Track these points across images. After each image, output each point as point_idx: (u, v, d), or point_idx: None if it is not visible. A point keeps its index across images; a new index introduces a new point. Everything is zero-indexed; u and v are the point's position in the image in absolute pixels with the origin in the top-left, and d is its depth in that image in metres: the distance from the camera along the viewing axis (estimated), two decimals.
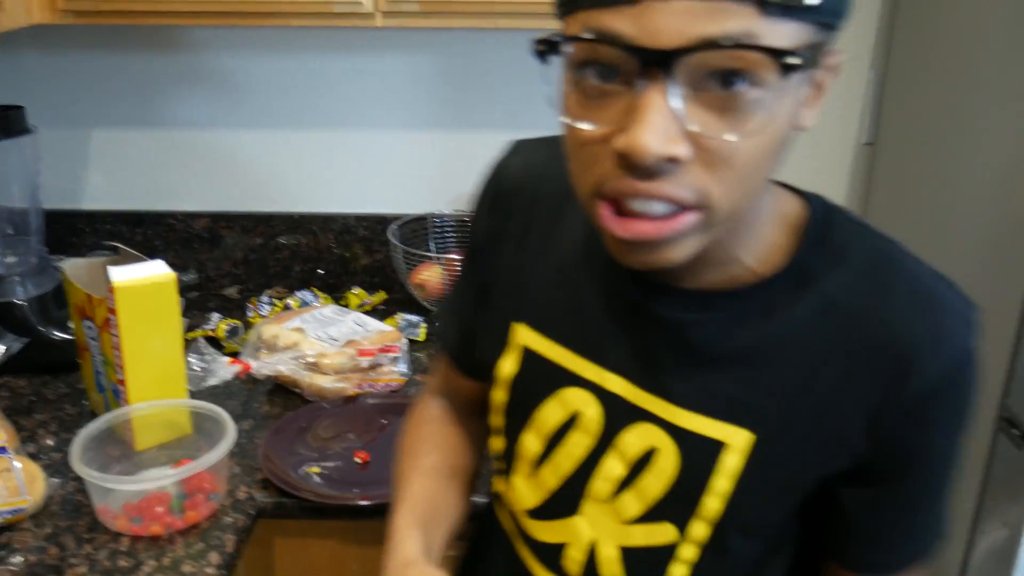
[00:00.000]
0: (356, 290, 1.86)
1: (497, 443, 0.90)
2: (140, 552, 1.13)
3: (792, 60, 0.59)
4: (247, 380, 1.55)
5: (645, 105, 0.59)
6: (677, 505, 0.78)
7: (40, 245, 1.60)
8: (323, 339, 1.54)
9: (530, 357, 0.85)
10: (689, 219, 0.63)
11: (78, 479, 1.22)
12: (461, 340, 0.97)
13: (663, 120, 0.59)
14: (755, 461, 0.75)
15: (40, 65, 1.78)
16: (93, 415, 1.39)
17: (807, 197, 0.77)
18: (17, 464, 1.19)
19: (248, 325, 1.73)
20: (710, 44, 0.57)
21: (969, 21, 1.47)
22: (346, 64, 1.78)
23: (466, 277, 0.96)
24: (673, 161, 0.60)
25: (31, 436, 1.36)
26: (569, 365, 0.82)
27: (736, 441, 0.75)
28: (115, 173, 1.85)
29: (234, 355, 1.59)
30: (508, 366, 0.86)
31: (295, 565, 1.35)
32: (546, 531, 0.86)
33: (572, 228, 0.83)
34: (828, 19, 0.62)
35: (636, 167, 0.61)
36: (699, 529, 0.78)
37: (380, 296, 1.87)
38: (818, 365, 0.72)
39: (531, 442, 0.85)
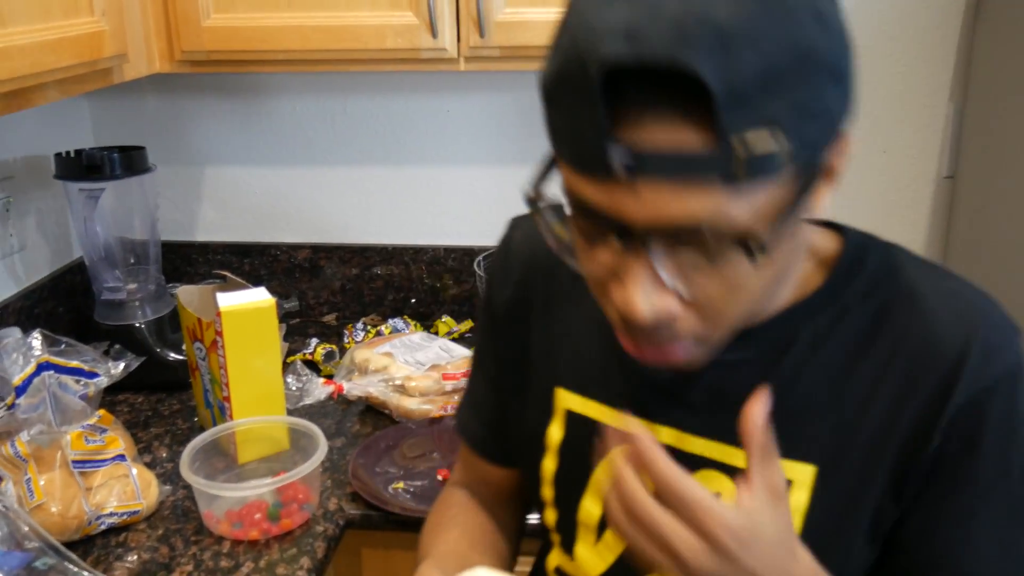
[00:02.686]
0: (445, 318, 1.96)
1: (550, 515, 0.89)
2: (240, 555, 1.23)
3: (756, 246, 0.57)
4: (340, 400, 1.65)
5: (630, 269, 0.59)
6: None
7: (158, 273, 1.75)
8: (411, 363, 1.64)
9: (575, 420, 0.84)
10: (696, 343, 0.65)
11: (187, 487, 1.35)
12: (487, 428, 0.97)
13: (649, 283, 0.58)
14: (819, 493, 0.74)
15: (159, 109, 1.95)
16: (202, 430, 1.51)
17: (843, 231, 0.78)
18: (133, 471, 1.31)
19: (344, 350, 1.84)
20: (676, 230, 0.56)
21: None
22: (433, 104, 1.89)
23: (485, 362, 0.96)
24: (668, 316, 0.60)
25: (147, 447, 1.50)
26: (615, 423, 0.79)
27: (800, 476, 0.74)
28: (225, 207, 2.00)
29: (329, 377, 1.71)
30: (556, 432, 0.86)
31: (380, 574, 1.44)
32: None
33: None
34: (810, 153, 0.57)
35: (635, 327, 0.62)
36: None
37: (467, 324, 1.96)
38: (867, 386, 0.72)
39: (591, 507, 0.84)
